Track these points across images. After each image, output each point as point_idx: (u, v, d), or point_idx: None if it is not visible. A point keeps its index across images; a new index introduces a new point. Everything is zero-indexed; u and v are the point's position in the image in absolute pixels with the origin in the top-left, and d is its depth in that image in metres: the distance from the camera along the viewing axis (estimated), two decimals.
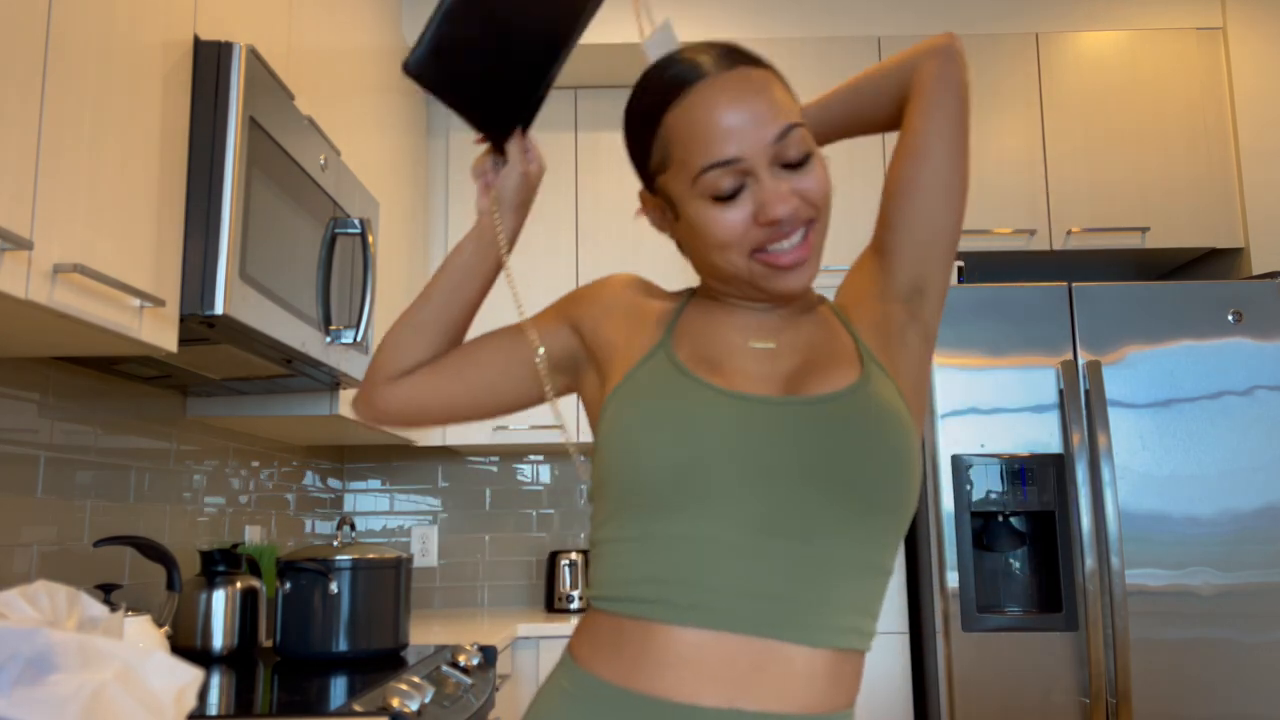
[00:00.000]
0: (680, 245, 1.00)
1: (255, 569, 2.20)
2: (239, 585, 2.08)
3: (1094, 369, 2.60)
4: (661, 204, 0.99)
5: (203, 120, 1.62)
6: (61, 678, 0.77)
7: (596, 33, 3.16)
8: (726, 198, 0.90)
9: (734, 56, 0.93)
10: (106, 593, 1.69)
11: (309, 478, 3.14)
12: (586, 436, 3.20)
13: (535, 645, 2.79)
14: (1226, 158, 3.07)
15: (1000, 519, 2.64)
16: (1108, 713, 2.48)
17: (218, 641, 2.04)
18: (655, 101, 0.94)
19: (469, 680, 2.00)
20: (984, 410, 2.61)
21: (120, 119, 1.41)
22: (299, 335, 1.86)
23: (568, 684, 0.92)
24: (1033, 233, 3.03)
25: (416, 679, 1.71)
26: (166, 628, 1.69)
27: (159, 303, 1.44)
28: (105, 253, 1.37)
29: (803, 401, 0.90)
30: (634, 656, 0.86)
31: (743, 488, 0.86)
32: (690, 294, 1.05)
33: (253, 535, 2.68)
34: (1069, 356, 2.63)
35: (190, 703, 0.91)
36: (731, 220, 0.91)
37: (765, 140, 0.89)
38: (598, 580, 0.92)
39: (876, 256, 1.03)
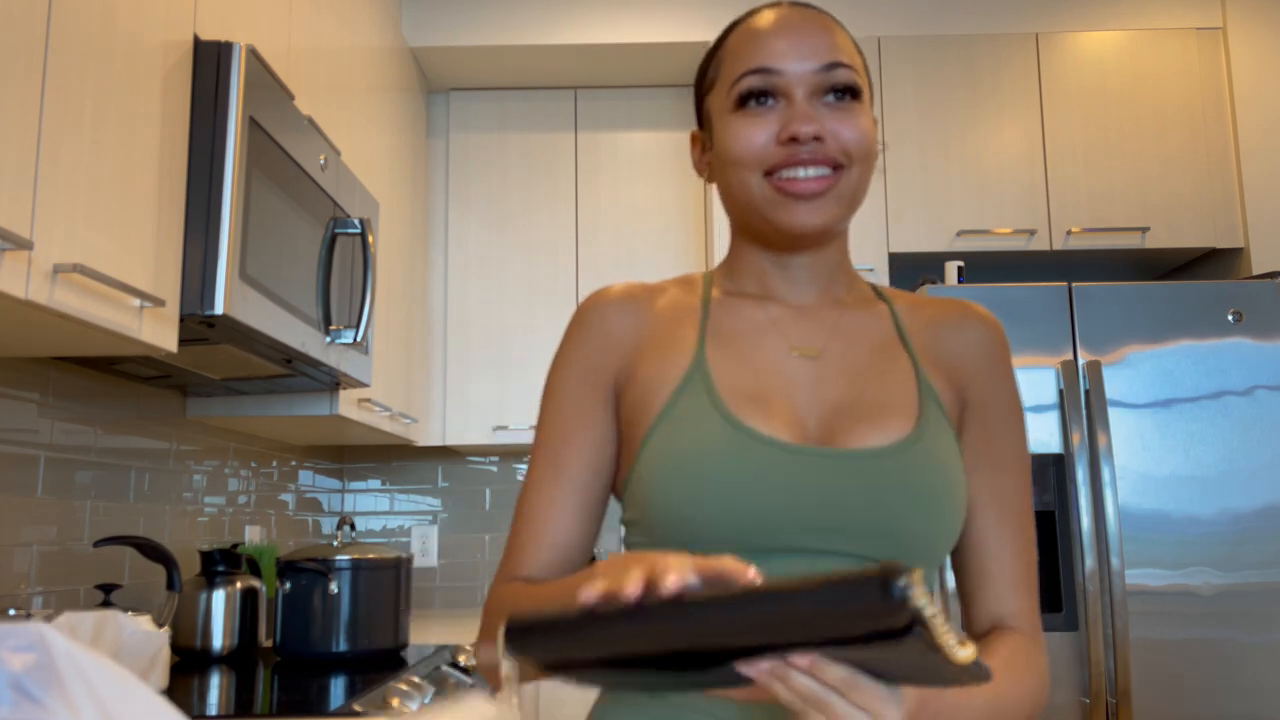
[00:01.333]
0: (716, 181, 0.96)
1: (255, 569, 2.20)
2: (239, 585, 2.08)
3: (1094, 369, 2.60)
4: (703, 138, 0.97)
5: (203, 120, 1.62)
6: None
7: (596, 33, 3.16)
8: (756, 102, 0.89)
9: (813, 6, 0.94)
10: (106, 593, 1.69)
11: (309, 478, 3.14)
12: None
13: None
14: (1226, 158, 3.07)
15: None
16: (1108, 713, 2.48)
17: (218, 641, 2.04)
18: (727, 28, 0.96)
19: (469, 680, 2.01)
20: None
21: (120, 119, 1.41)
22: (299, 335, 1.86)
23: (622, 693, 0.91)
24: (1033, 233, 3.03)
25: (416, 679, 1.71)
26: (166, 628, 1.69)
27: (159, 303, 1.44)
28: (105, 253, 1.37)
29: (849, 456, 0.84)
30: None
31: (794, 544, 0.83)
32: (709, 281, 0.98)
33: (253, 535, 2.68)
34: (1069, 356, 2.63)
35: None
36: (753, 133, 0.88)
37: (810, 65, 0.88)
38: None
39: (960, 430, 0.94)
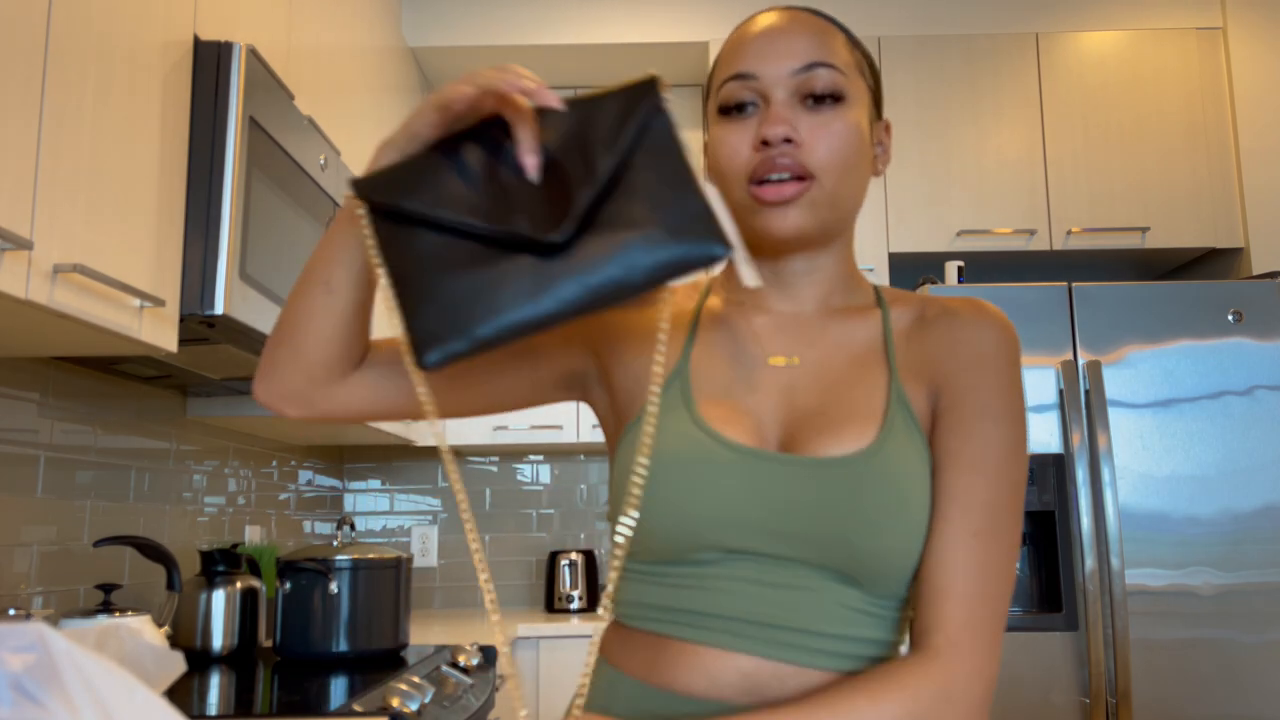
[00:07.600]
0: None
1: (255, 569, 2.20)
2: (239, 585, 2.08)
3: (1094, 369, 2.60)
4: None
5: (203, 120, 1.62)
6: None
7: (596, 32, 3.16)
8: (737, 110, 0.88)
9: (812, 9, 0.93)
10: (106, 593, 1.69)
11: (309, 478, 3.14)
12: (586, 436, 3.20)
13: (535, 645, 2.79)
14: (1226, 158, 3.07)
15: None
16: (1108, 713, 2.48)
17: (218, 641, 2.04)
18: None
19: (469, 680, 2.01)
20: None
21: (120, 119, 1.41)
22: None
23: (604, 684, 0.91)
24: (1033, 233, 3.03)
25: (416, 679, 1.71)
26: (166, 628, 1.69)
27: (159, 303, 1.44)
28: (105, 253, 1.37)
29: (805, 464, 0.83)
30: (666, 663, 0.86)
31: (746, 546, 0.83)
32: (707, 289, 0.99)
33: (253, 535, 2.68)
34: (1069, 356, 2.63)
35: None
36: (735, 140, 0.88)
37: (787, 66, 0.87)
38: (623, 600, 0.91)
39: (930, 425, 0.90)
